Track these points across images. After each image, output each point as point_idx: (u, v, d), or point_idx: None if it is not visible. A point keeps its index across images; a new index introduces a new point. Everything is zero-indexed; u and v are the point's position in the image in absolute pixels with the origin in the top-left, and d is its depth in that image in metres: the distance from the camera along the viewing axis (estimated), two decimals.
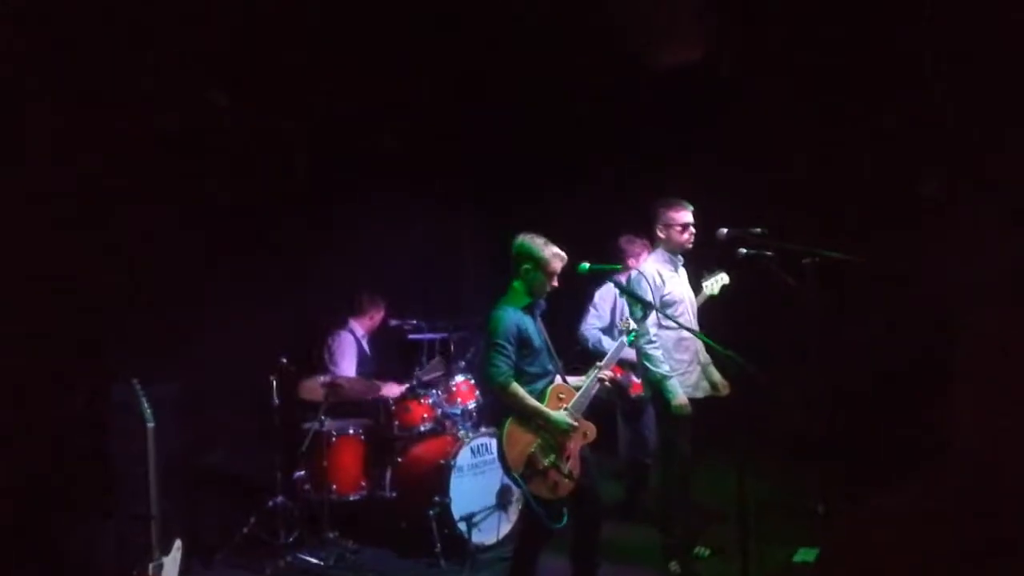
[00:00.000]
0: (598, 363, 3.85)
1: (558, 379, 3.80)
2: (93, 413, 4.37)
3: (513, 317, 3.66)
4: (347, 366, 5.37)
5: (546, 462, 3.57)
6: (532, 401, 3.63)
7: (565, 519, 3.65)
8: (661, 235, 4.39)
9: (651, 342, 4.22)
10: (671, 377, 4.19)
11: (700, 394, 4.32)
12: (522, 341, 3.65)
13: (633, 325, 4.07)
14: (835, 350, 4.78)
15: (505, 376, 3.60)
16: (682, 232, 4.31)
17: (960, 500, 3.18)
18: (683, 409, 4.16)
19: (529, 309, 3.75)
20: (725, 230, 4.19)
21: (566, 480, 3.60)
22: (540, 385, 3.70)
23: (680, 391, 4.18)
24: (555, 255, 3.70)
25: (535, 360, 3.70)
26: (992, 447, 3.22)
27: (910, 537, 3.24)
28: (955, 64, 4.44)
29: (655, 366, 4.19)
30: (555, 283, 3.74)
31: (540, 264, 3.68)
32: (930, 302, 4.53)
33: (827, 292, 3.99)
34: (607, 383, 3.85)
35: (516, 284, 3.77)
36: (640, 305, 4.16)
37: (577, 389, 3.78)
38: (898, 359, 5.04)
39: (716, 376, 4.43)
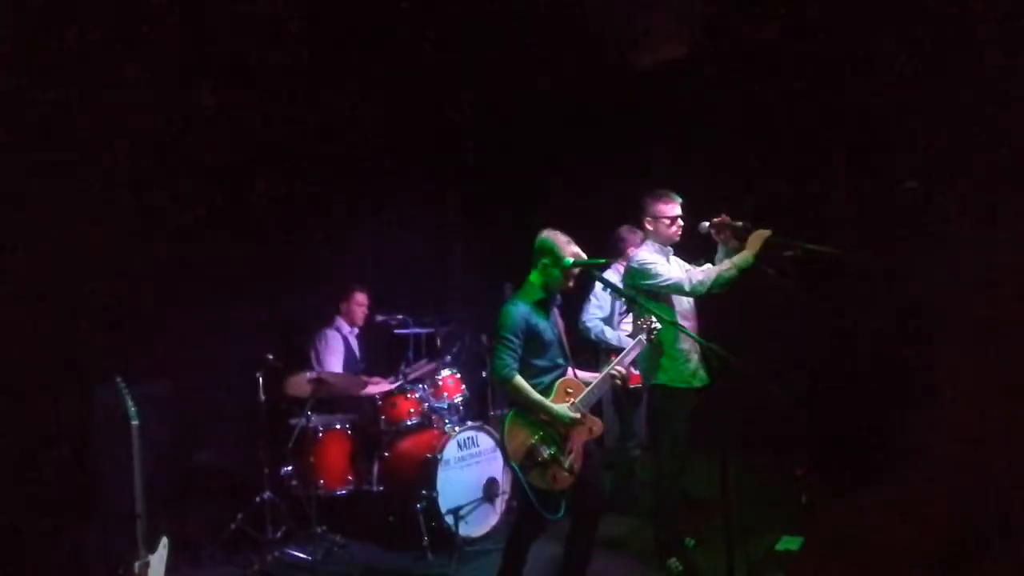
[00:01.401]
0: (613, 358, 3.84)
1: (569, 373, 3.81)
2: (77, 412, 4.35)
3: (522, 311, 3.67)
4: (334, 363, 5.38)
5: (546, 454, 3.58)
6: (535, 394, 3.63)
7: (562, 512, 3.66)
8: (649, 227, 4.36)
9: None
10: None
11: (697, 383, 4.27)
12: (531, 335, 3.65)
13: (655, 324, 3.95)
14: (816, 342, 4.84)
15: (509, 369, 3.60)
16: (670, 225, 4.30)
17: (938, 495, 3.23)
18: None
19: (543, 304, 3.76)
20: (707, 223, 4.22)
21: (566, 473, 3.60)
22: (548, 379, 3.71)
23: None
24: (575, 255, 3.72)
25: (545, 354, 3.70)
26: (969, 445, 3.27)
27: (890, 527, 3.29)
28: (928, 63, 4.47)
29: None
30: (571, 283, 3.76)
31: (559, 263, 3.70)
32: (911, 298, 4.57)
33: (808, 286, 4.02)
34: (618, 380, 3.82)
35: (533, 278, 3.79)
36: (624, 297, 4.17)
37: (587, 384, 3.78)
38: (879, 353, 5.08)
39: None
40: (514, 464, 3.58)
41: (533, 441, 3.60)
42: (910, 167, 4.65)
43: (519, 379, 3.62)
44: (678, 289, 4.16)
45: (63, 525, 4.26)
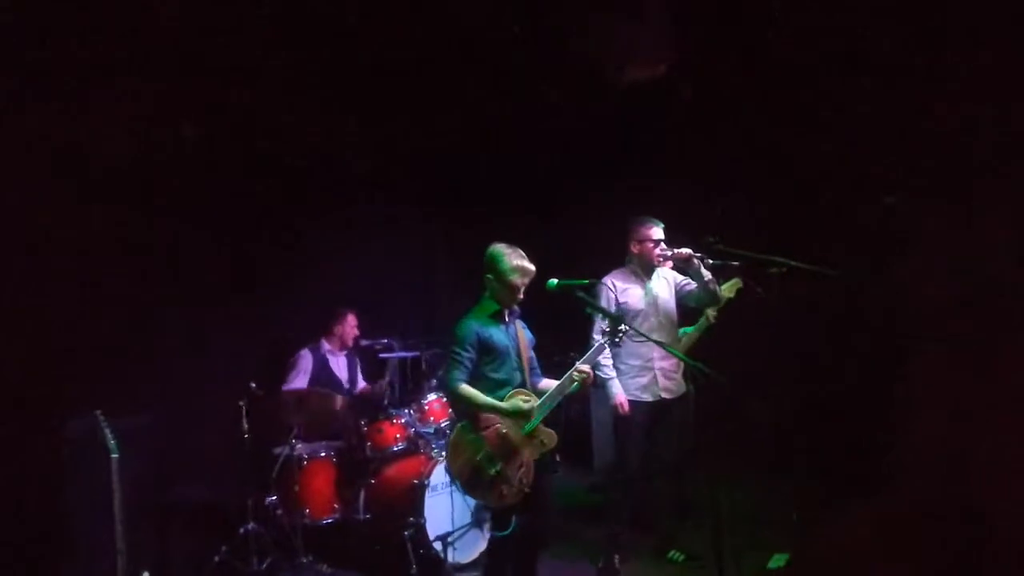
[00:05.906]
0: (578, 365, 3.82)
1: (543, 383, 3.84)
2: (54, 447, 4.28)
3: (472, 325, 3.68)
4: (299, 381, 5.34)
5: (492, 471, 3.56)
6: (483, 398, 3.62)
7: (513, 525, 3.64)
8: (635, 250, 4.60)
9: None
10: (613, 378, 4.50)
11: (649, 397, 4.50)
12: (484, 347, 3.66)
13: (622, 328, 4.04)
14: (803, 359, 4.84)
15: (455, 381, 3.60)
16: (655, 247, 4.53)
17: (923, 511, 3.23)
18: (619, 409, 4.47)
19: (497, 316, 3.75)
20: (669, 252, 4.43)
21: (513, 489, 3.58)
22: (504, 393, 3.69)
23: (617, 391, 4.47)
24: (518, 268, 3.67)
25: (500, 366, 3.69)
26: (943, 462, 3.28)
27: (879, 544, 3.28)
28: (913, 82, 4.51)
29: (599, 369, 4.39)
30: (520, 296, 3.74)
31: (500, 276, 3.68)
32: (889, 313, 4.60)
33: (792, 302, 4.03)
34: (576, 380, 3.76)
35: (487, 292, 3.80)
36: (609, 318, 4.18)
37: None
38: (863, 369, 5.10)
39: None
40: (458, 483, 3.57)
41: (478, 458, 3.57)
42: (886, 181, 4.69)
43: (465, 386, 3.61)
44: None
45: (40, 563, 4.17)
